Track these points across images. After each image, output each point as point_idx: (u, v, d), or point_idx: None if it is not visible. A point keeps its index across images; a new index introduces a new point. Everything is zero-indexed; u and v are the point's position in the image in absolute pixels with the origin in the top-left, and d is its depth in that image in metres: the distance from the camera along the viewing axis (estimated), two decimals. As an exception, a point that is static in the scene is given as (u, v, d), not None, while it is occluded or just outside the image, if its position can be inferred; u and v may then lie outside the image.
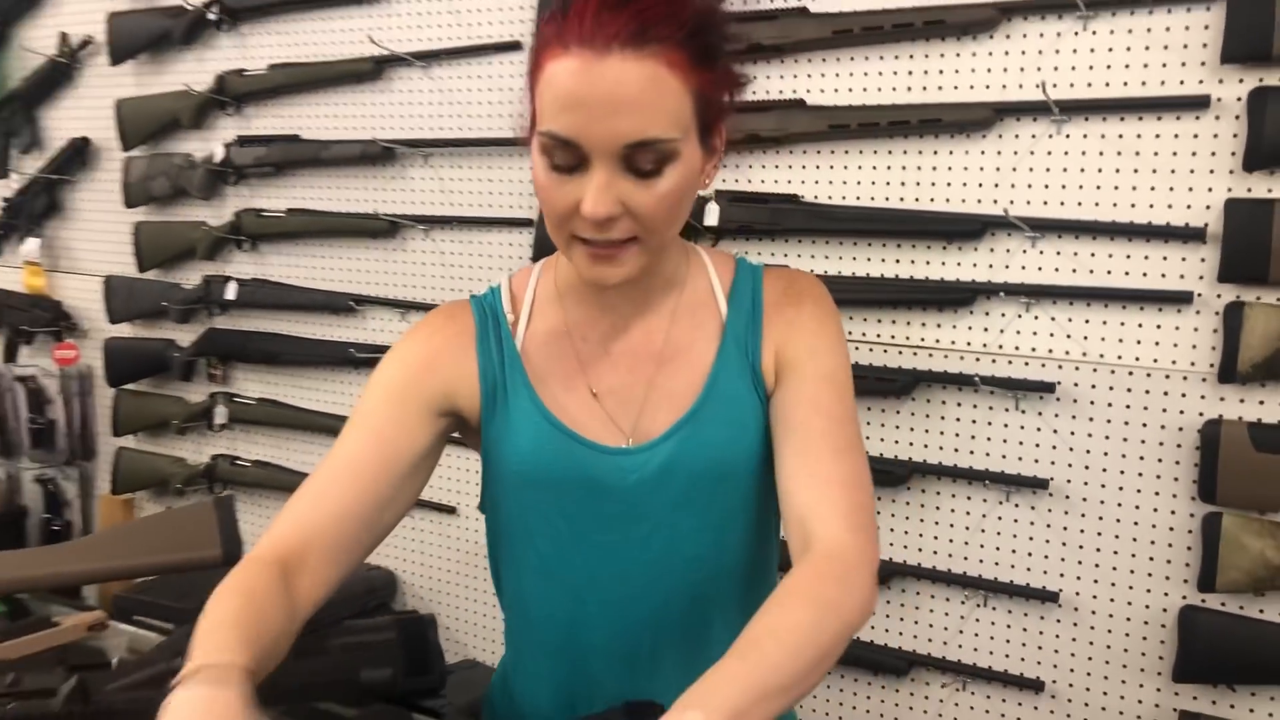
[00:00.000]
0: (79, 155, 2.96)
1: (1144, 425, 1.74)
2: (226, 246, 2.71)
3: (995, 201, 1.81)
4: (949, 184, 1.85)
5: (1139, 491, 1.76)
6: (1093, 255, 1.76)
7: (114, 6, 2.78)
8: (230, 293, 2.68)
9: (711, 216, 2.03)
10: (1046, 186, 1.78)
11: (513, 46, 2.25)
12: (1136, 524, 1.77)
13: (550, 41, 0.95)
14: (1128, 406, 1.75)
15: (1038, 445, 1.83)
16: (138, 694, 0.97)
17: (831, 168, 1.95)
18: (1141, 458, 1.75)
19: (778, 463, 1.06)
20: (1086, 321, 1.77)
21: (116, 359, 2.89)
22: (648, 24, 0.91)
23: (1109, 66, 1.72)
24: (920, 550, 1.94)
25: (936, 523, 1.92)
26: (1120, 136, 1.72)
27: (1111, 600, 1.80)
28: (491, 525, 1.18)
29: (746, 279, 1.14)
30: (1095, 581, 1.81)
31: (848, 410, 1.07)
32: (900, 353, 1.92)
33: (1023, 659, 1.88)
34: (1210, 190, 1.66)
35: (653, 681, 1.10)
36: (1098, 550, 1.80)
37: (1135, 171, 1.71)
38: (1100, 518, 1.79)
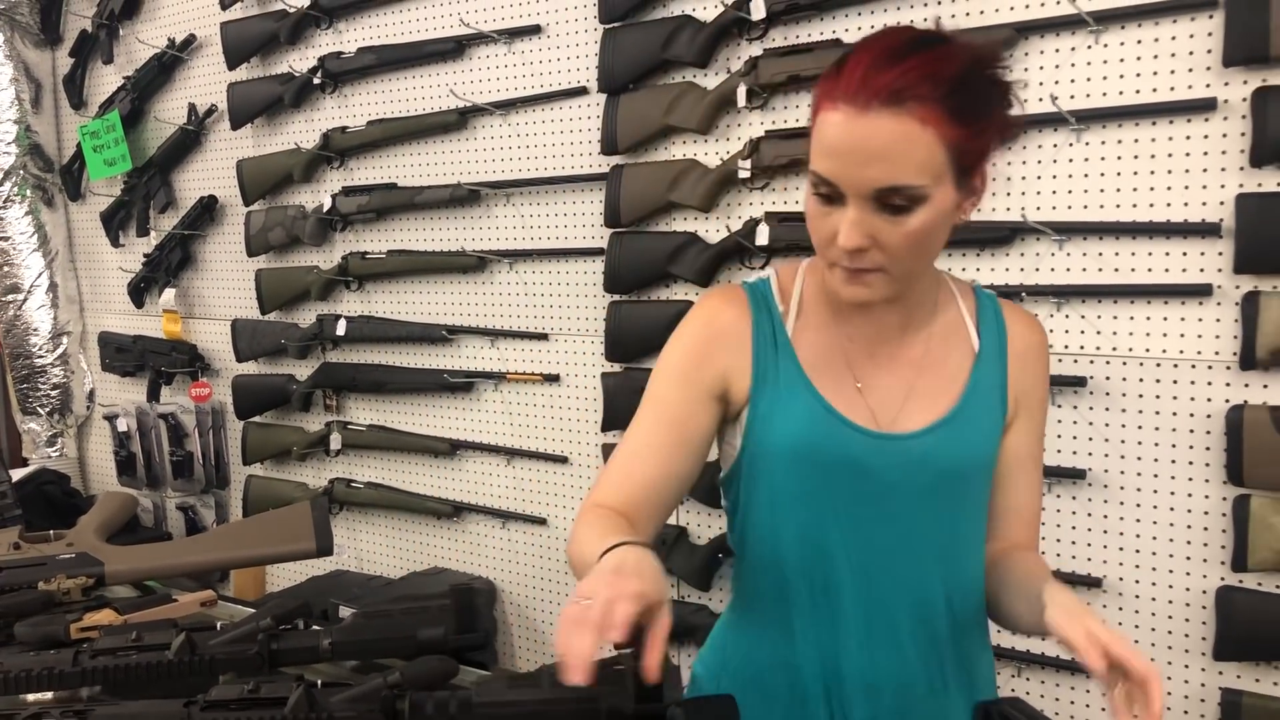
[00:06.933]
0: (207, 212, 3.28)
1: (1173, 414, 1.82)
2: (336, 287, 2.98)
3: (1023, 209, 1.92)
4: (978, 195, 1.97)
5: (1173, 478, 1.84)
6: (1116, 254, 1.85)
7: (233, 78, 3.10)
8: (340, 329, 2.93)
9: (762, 237, 2.18)
10: (1070, 192, 1.89)
11: (580, 92, 2.45)
12: (1172, 509, 1.84)
13: (824, 95, 1.08)
14: (1157, 396, 1.84)
15: (1074, 437, 1.92)
16: (233, 647, 1.17)
17: (870, 186, 2.08)
18: (1173, 445, 1.83)
19: (1005, 492, 1.26)
20: (1114, 318, 1.86)
21: (244, 394, 3.18)
22: (908, 85, 1.03)
23: (1121, 76, 1.82)
24: (971, 542, 2.04)
25: (984, 516, 2.02)
26: (1136, 141, 1.82)
27: (1153, 584, 1.87)
28: (744, 496, 1.26)
29: (989, 309, 1.27)
30: (1136, 566, 1.89)
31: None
32: (941, 355, 2.03)
33: (1073, 644, 1.96)
34: (1223, 187, 1.75)
35: (891, 638, 1.22)
36: (1137, 536, 1.88)
37: (1152, 173, 1.81)
38: (1137, 504, 1.87)
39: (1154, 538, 1.86)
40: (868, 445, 1.18)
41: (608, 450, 2.46)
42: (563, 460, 2.60)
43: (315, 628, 1.24)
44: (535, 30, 2.49)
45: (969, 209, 1.13)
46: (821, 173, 1.08)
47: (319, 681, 1.08)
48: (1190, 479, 1.82)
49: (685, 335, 1.25)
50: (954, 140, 1.05)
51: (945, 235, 1.13)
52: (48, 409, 3.74)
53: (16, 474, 3.15)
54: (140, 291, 3.52)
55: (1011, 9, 1.90)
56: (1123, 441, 1.87)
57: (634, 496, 1.18)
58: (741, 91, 2.18)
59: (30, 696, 1.18)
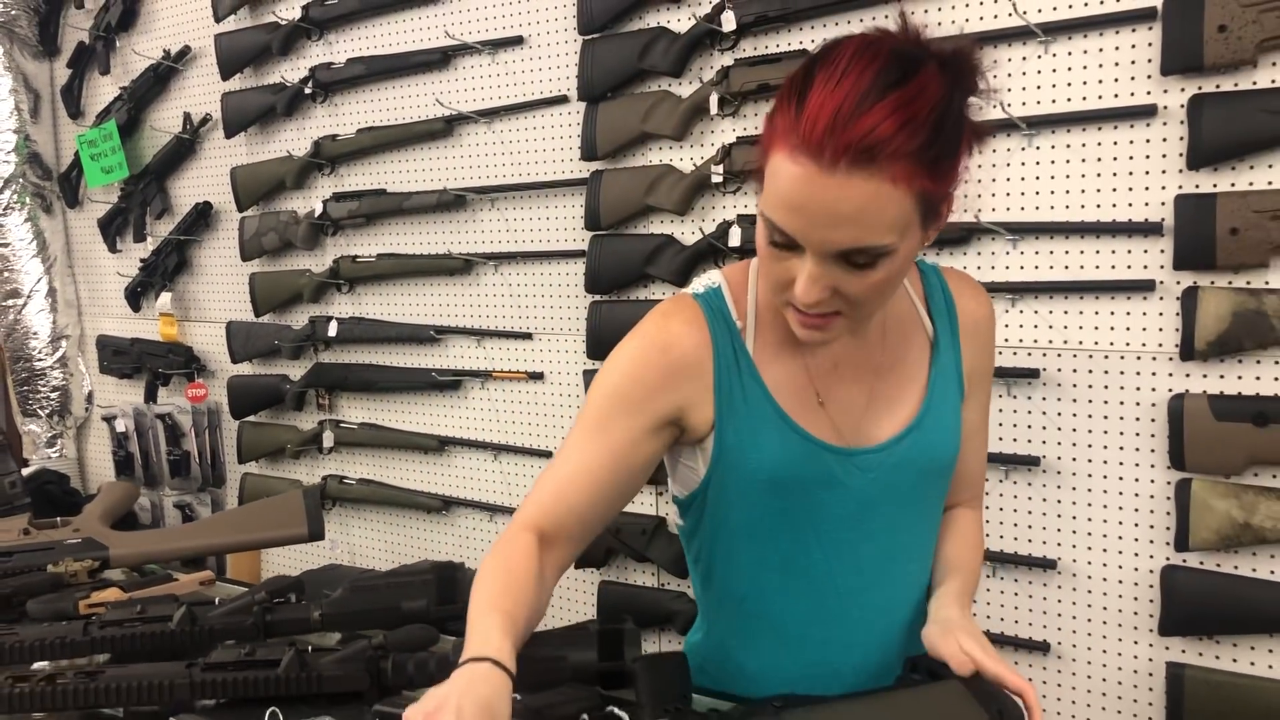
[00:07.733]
0: (202, 218, 3.37)
1: (1120, 403, 1.93)
2: (328, 290, 3.07)
3: (978, 211, 2.03)
4: (937, 197, 2.07)
5: (1120, 464, 1.94)
6: (1066, 253, 1.96)
7: (227, 88, 3.19)
8: (332, 330, 3.03)
9: (735, 238, 2.29)
10: (1022, 194, 1.99)
11: (560, 100, 2.55)
12: (1120, 493, 1.94)
13: (781, 137, 0.96)
14: (1105, 387, 1.94)
15: (1029, 427, 2.02)
16: (231, 618, 1.27)
17: (836, 189, 2.18)
18: (1120, 432, 1.93)
19: (961, 460, 1.25)
20: (1065, 312, 1.97)
21: (239, 394, 3.28)
22: (880, 140, 0.91)
23: (1069, 84, 1.92)
24: (934, 528, 2.14)
25: (946, 502, 2.13)
26: (1083, 145, 1.92)
27: (1103, 565, 1.97)
28: (712, 524, 1.22)
29: (934, 285, 1.24)
30: (1089, 549, 1.99)
31: None
32: (904, 350, 2.13)
33: (1030, 624, 2.06)
34: (1163, 188, 1.85)
35: (883, 647, 1.21)
36: (1088, 519, 1.98)
37: (1098, 176, 1.91)
38: (1088, 489, 1.97)
39: (1104, 521, 1.96)
40: (843, 464, 1.15)
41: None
42: (547, 455, 2.70)
43: (306, 601, 1.34)
44: (518, 41, 2.59)
45: (933, 235, 1.06)
46: (778, 224, 0.98)
47: (310, 647, 1.18)
48: (1136, 464, 1.92)
49: (638, 357, 1.15)
50: (926, 190, 0.96)
51: (908, 271, 1.08)
52: (47, 411, 3.82)
53: (18, 473, 3.23)
54: (137, 296, 3.61)
55: (967, 20, 2.00)
56: (1074, 430, 1.98)
57: (563, 521, 1.13)
58: (714, 99, 2.28)
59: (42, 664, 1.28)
